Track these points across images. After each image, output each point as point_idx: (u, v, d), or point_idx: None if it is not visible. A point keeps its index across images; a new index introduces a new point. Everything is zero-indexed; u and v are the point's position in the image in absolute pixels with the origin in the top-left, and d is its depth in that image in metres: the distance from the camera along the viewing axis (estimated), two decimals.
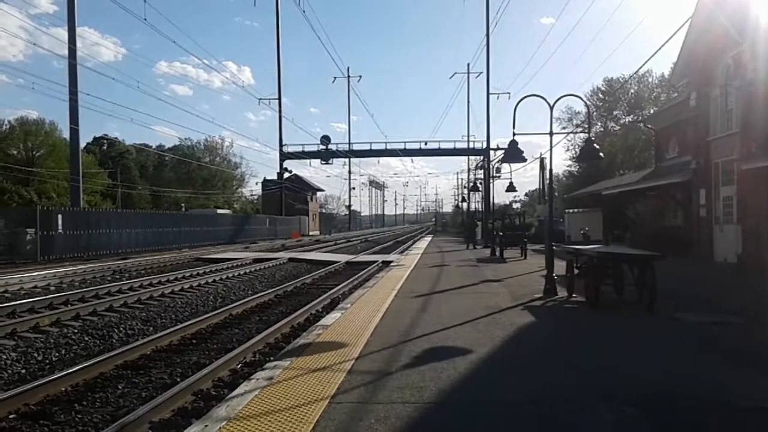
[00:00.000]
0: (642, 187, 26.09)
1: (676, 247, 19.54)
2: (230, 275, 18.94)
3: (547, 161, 13.15)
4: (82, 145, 47.01)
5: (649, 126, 32.03)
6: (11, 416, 5.68)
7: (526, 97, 12.18)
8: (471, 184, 39.18)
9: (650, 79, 52.26)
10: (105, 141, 76.46)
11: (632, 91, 52.85)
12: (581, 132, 46.54)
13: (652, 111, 44.38)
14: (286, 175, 64.20)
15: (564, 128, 51.12)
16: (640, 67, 49.59)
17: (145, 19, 29.60)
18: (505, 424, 4.33)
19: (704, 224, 19.37)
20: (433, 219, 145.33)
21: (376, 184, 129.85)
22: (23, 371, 7.60)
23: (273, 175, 68.13)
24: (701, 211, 19.58)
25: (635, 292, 9.91)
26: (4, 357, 8.12)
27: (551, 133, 11.77)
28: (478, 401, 4.87)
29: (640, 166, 41.73)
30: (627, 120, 52.83)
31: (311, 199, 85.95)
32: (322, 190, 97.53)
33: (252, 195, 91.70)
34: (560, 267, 12.05)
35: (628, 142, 49.04)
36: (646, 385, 5.28)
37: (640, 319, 8.90)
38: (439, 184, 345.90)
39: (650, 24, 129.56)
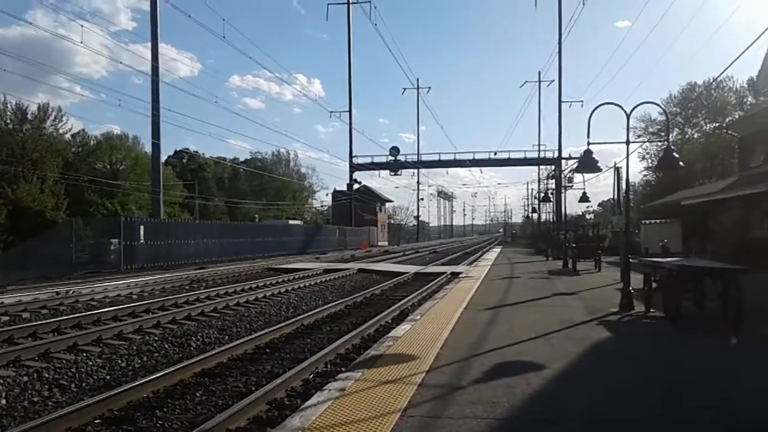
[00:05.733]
0: (725, 197, 24.90)
1: (764, 259, 18.51)
2: (301, 285, 19.26)
3: (623, 171, 12.75)
4: (163, 158, 49.17)
5: (732, 132, 30.58)
6: (96, 421, 5.93)
7: (601, 105, 11.91)
8: (542, 195, 38.39)
9: (731, 85, 49.97)
10: (185, 154, 79.47)
11: (714, 95, 50.62)
12: (658, 140, 45.10)
13: (736, 116, 42.38)
14: (356, 186, 64.90)
15: (639, 137, 49.55)
16: (721, 74, 47.33)
17: (224, 37, 30.65)
18: None
19: None
20: (502, 230, 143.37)
21: (444, 195, 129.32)
22: (108, 377, 7.96)
23: (342, 186, 69.07)
24: None
25: (719, 307, 9.44)
26: (90, 363, 8.53)
27: (628, 142, 11.42)
28: (554, 419, 4.75)
29: (722, 175, 39.84)
30: (708, 127, 50.64)
31: (380, 210, 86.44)
32: (390, 201, 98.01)
33: (322, 206, 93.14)
34: (636, 280, 11.64)
35: (709, 149, 46.94)
36: (738, 409, 5.00)
37: (725, 336, 8.46)
38: (508, 194, 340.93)
39: (734, 25, 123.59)
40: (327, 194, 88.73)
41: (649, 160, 51.81)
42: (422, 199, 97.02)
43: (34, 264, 24.83)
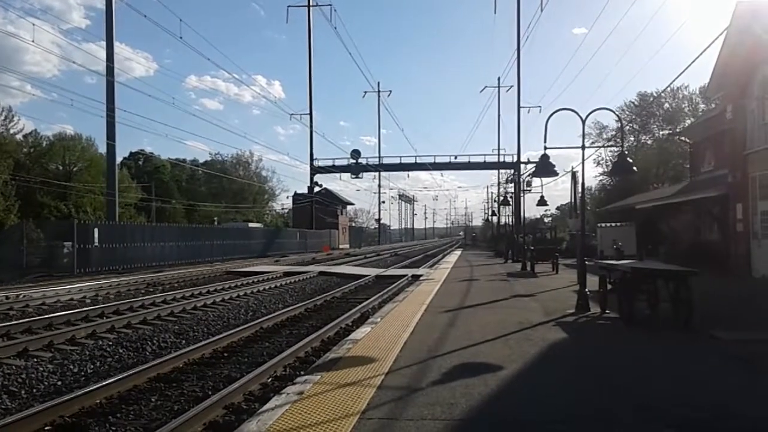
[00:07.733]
0: (677, 201, 25.62)
1: (713, 262, 19.11)
2: (261, 288, 19.08)
3: (579, 175, 13.02)
4: (119, 160, 48.10)
5: (685, 139, 31.50)
6: (47, 428, 5.77)
7: (557, 111, 12.09)
8: (501, 198, 38.92)
9: (684, 93, 51.47)
10: (141, 156, 77.92)
11: (666, 104, 52.08)
12: (613, 146, 46.16)
13: (688, 123, 43.64)
14: (317, 189, 64.65)
15: (593, 143, 50.59)
16: (673, 81, 48.58)
17: (181, 38, 30.31)
18: None
19: (741, 239, 18.91)
20: (462, 233, 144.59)
21: (405, 198, 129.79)
22: (59, 383, 7.73)
23: (303, 189, 68.58)
24: (738, 226, 19.13)
25: (670, 308, 9.70)
26: (41, 369, 8.28)
27: (583, 147, 11.66)
28: (510, 419, 4.81)
29: (675, 180, 41.00)
30: (662, 133, 52.02)
31: (341, 213, 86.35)
32: (352, 204, 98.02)
33: (283, 209, 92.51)
34: (593, 282, 11.87)
35: (662, 155, 48.22)
36: (685, 405, 5.14)
37: (676, 336, 8.70)
38: (468, 197, 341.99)
39: (687, 34, 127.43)
40: (288, 197, 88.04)
41: (604, 166, 53.01)
42: (383, 202, 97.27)
43: None
